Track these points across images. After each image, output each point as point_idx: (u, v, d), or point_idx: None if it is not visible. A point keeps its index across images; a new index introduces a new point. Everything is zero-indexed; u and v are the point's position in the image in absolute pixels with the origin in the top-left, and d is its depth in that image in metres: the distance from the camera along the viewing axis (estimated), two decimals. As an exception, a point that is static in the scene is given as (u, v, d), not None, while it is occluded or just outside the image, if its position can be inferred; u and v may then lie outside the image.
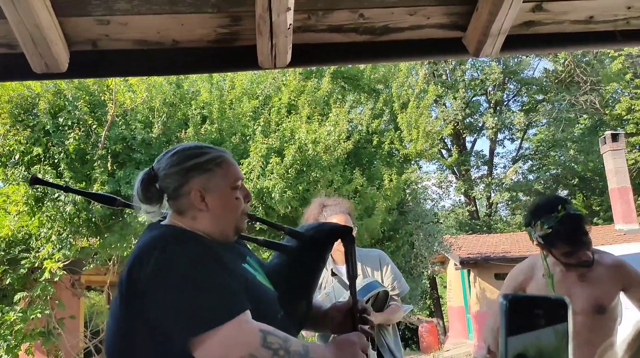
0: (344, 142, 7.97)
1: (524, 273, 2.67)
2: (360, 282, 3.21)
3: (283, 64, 2.16)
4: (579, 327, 2.39)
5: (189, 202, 1.53)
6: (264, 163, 7.34)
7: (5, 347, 8.11)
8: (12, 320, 8.13)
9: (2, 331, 8.05)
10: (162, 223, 1.60)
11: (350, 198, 8.45)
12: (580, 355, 2.40)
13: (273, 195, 7.19)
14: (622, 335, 2.51)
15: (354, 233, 3.38)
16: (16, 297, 8.41)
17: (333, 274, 3.39)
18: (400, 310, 3.36)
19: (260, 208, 7.48)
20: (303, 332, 2.82)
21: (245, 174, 7.33)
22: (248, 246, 1.85)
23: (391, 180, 9.10)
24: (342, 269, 3.42)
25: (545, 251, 2.49)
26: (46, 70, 2.04)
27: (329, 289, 3.31)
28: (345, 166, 9.36)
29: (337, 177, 8.11)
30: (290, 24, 1.97)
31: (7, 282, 8.55)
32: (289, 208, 7.43)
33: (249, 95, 8.48)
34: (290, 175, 7.29)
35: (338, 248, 3.38)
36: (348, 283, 1.83)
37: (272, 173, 7.26)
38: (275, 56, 2.09)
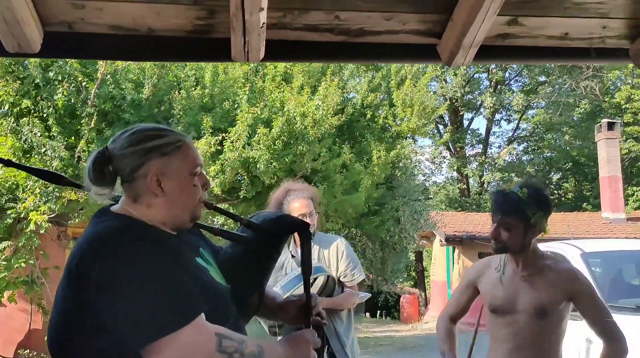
0: (332, 117, 7.96)
1: (477, 271, 2.75)
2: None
3: (256, 59, 2.17)
4: (522, 326, 2.48)
5: (145, 186, 1.47)
6: (250, 132, 7.34)
7: (-9, 295, 8.22)
8: (-6, 266, 8.22)
9: (-14, 278, 8.15)
10: (112, 208, 1.53)
11: (338, 171, 8.50)
12: (522, 356, 2.50)
13: (258, 166, 7.22)
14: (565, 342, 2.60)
15: (316, 219, 3.45)
16: (1, 246, 8.48)
17: (293, 256, 3.48)
18: (353, 297, 3.41)
19: (245, 178, 7.53)
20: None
21: (231, 142, 7.33)
22: (202, 233, 1.81)
23: (379, 156, 9.14)
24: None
25: None
26: (19, 50, 2.04)
27: (289, 270, 3.39)
28: (336, 138, 9.38)
29: (324, 151, 8.13)
30: (264, 23, 1.98)
31: (-8, 231, 8.59)
32: (275, 178, 7.47)
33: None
34: (277, 147, 7.32)
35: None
36: (303, 278, 1.86)
37: (258, 144, 7.27)
38: (248, 51, 2.10)
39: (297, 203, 3.36)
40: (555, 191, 30.81)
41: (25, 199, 8.00)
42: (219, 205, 7.92)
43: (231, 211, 9.31)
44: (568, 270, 2.61)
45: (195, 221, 1.61)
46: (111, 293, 1.31)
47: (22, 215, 8.17)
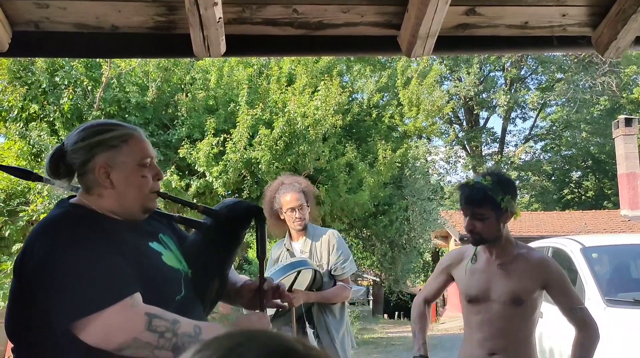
0: (333, 117, 7.99)
1: (452, 259, 2.77)
2: (291, 259, 3.33)
3: (217, 54, 2.22)
4: (496, 315, 2.50)
5: (94, 178, 1.54)
6: (251, 133, 7.41)
7: (2, 295, 8.41)
8: (9, 268, 8.41)
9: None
10: (72, 199, 1.62)
11: (342, 171, 8.52)
12: (495, 344, 2.51)
13: (260, 166, 7.28)
14: (542, 329, 2.61)
15: (307, 213, 3.47)
16: (14, 248, 8.67)
17: (287, 250, 3.52)
18: (344, 291, 3.42)
19: (248, 178, 7.59)
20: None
21: (233, 144, 7.40)
22: (171, 221, 1.85)
23: (385, 156, 9.14)
24: (296, 245, 3.53)
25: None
26: (-15, 49, 2.12)
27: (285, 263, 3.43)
28: (342, 138, 9.40)
29: (326, 151, 8.16)
30: (220, 18, 2.03)
31: (6, 233, 8.80)
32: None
33: (245, 63, 8.53)
34: (278, 147, 7.37)
35: (292, 226, 3.49)
36: (259, 262, 1.89)
37: (260, 144, 7.34)
38: (209, 46, 2.15)
39: (288, 196, 3.39)
40: (576, 190, 30.40)
41: (37, 201, 8.19)
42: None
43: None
44: (541, 258, 2.62)
45: (150, 211, 1.66)
46: (44, 272, 1.39)
47: (33, 218, 8.36)
